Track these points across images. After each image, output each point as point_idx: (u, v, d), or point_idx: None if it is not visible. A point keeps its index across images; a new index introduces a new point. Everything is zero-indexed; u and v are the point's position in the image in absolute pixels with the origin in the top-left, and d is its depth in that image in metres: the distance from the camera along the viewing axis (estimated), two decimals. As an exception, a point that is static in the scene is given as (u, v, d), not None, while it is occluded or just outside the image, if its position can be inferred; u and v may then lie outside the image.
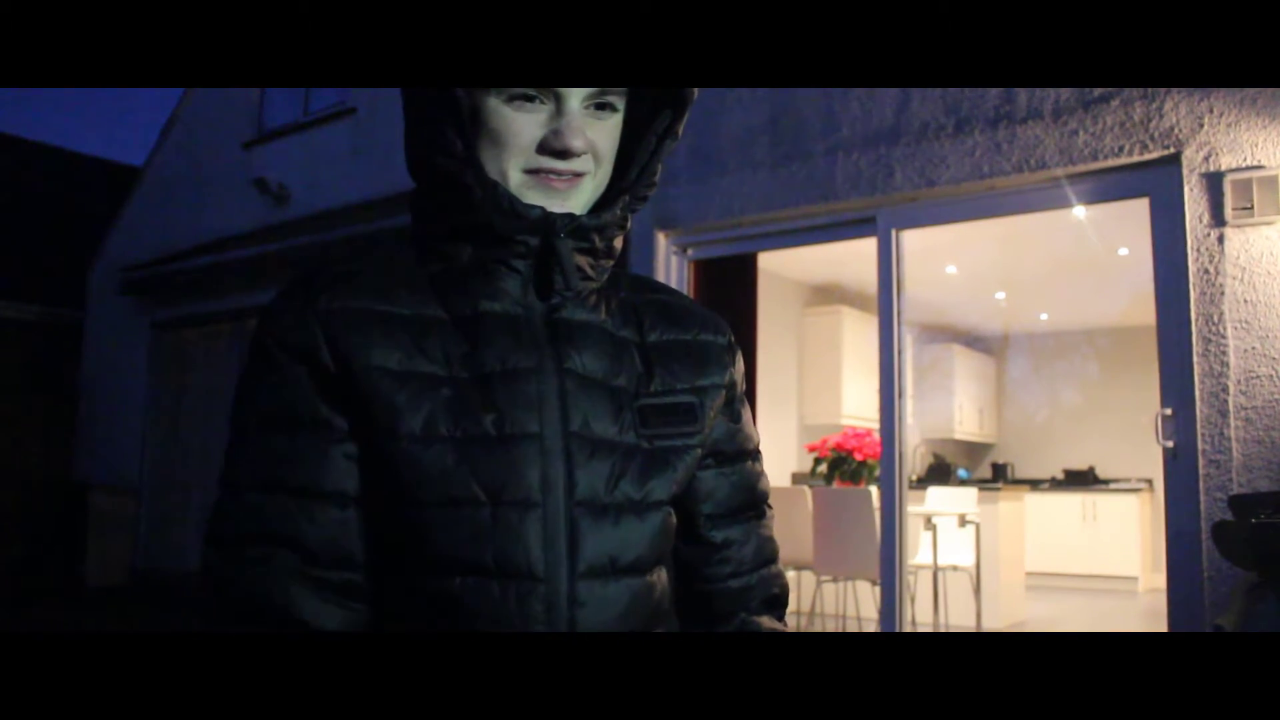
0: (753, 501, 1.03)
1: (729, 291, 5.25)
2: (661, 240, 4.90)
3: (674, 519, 0.94)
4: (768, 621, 1.03)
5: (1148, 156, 3.59)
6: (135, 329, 8.74)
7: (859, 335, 8.11)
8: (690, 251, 4.93)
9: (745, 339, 5.39)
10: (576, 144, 0.85)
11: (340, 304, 0.85)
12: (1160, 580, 3.93)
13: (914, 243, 4.42)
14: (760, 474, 1.04)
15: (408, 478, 0.82)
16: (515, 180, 0.87)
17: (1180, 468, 3.44)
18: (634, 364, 0.93)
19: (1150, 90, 3.58)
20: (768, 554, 1.04)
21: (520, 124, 0.85)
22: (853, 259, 6.71)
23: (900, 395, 4.23)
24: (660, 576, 0.92)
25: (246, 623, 0.81)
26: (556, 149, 0.85)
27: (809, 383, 8.38)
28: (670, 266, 4.92)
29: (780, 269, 7.88)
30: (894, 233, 4.27)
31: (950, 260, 7.41)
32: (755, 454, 1.04)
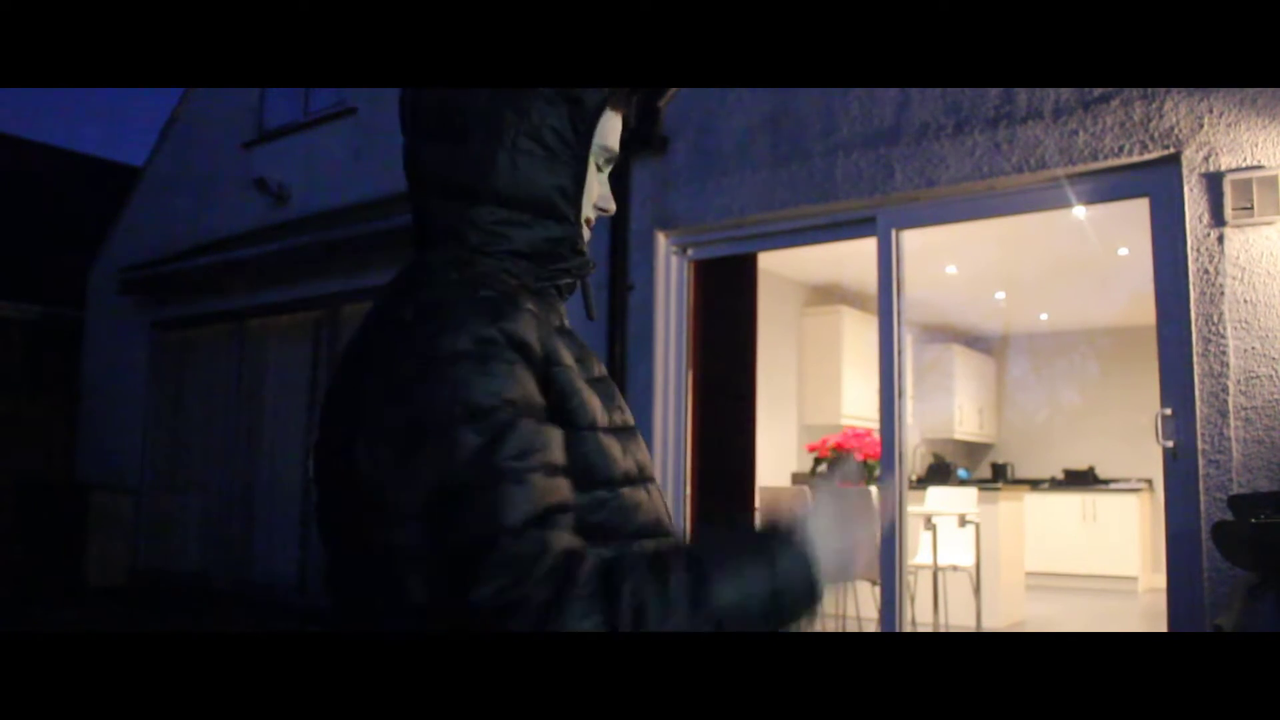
0: None
1: (729, 291, 5.25)
2: (661, 240, 4.90)
3: None
4: None
5: (1148, 156, 3.59)
6: (135, 329, 8.74)
7: (859, 335, 8.11)
8: (690, 251, 4.93)
9: (745, 339, 5.40)
10: (614, 205, 1.11)
11: (530, 307, 0.95)
12: (1160, 580, 3.93)
13: (914, 243, 4.41)
14: None
15: (602, 462, 0.95)
16: (582, 224, 1.08)
17: (1180, 468, 3.44)
18: None
19: (1150, 90, 3.58)
20: None
21: (600, 185, 1.09)
22: (853, 259, 6.71)
23: (900, 395, 4.23)
24: None
25: (568, 583, 0.81)
26: (607, 209, 1.10)
27: (809, 383, 8.38)
28: (670, 266, 4.92)
29: (780, 269, 7.88)
30: (894, 233, 4.27)
31: (950, 260, 7.41)
32: None
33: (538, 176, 1.01)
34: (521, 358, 0.91)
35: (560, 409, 0.93)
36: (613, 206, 1.10)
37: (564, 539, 0.85)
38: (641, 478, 1.00)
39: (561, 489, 0.88)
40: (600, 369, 1.04)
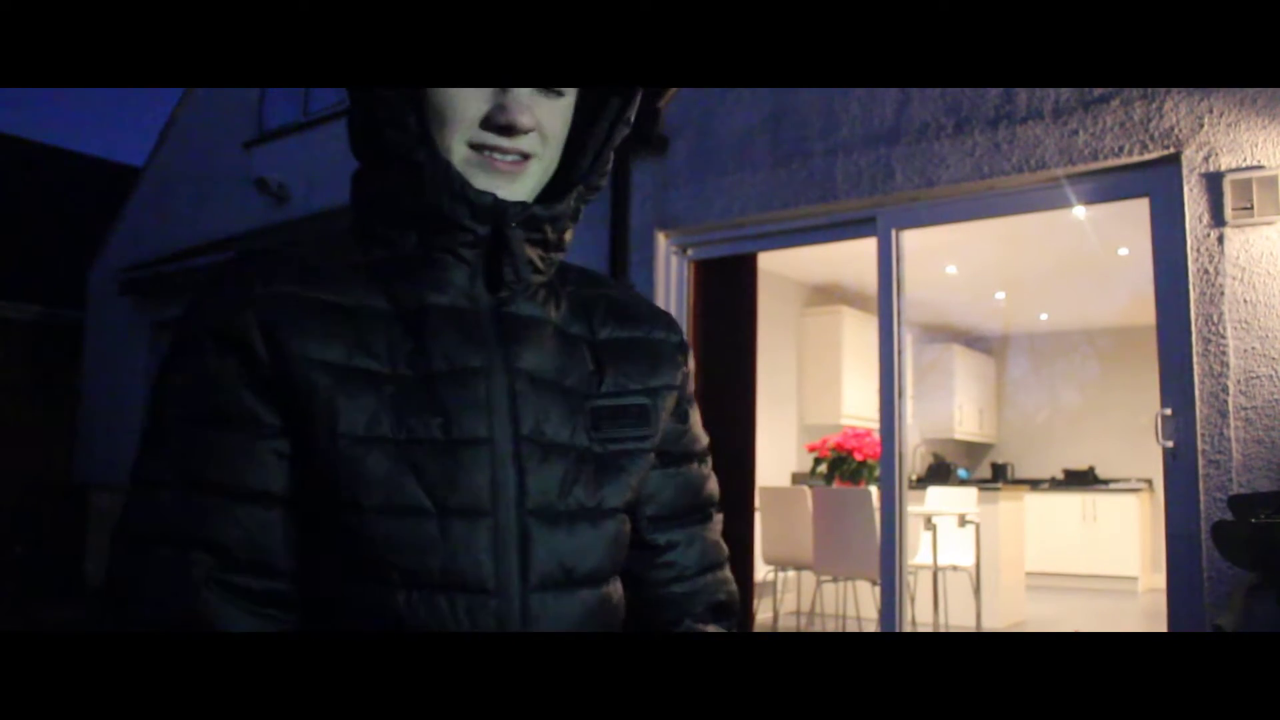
0: (698, 504, 0.99)
1: (729, 291, 5.25)
2: (661, 240, 4.90)
3: (628, 527, 0.91)
4: (714, 630, 0.98)
5: (1148, 156, 3.59)
6: (135, 329, 8.74)
7: (859, 335, 8.11)
8: (690, 251, 4.93)
9: (745, 339, 5.40)
10: (522, 120, 0.82)
11: (278, 290, 0.80)
12: (1160, 580, 3.93)
13: (914, 243, 4.42)
14: (708, 477, 1.01)
15: (347, 481, 0.77)
16: (460, 156, 0.83)
17: (1180, 468, 3.44)
18: (585, 363, 0.89)
19: (1150, 90, 3.58)
20: (714, 558, 1.00)
21: (462, 97, 0.82)
22: (853, 259, 6.71)
23: (900, 395, 4.23)
24: (616, 588, 0.89)
25: (152, 630, 0.76)
26: (501, 124, 0.82)
27: (809, 383, 8.38)
28: (670, 266, 4.92)
29: (780, 269, 7.88)
30: (894, 233, 4.27)
31: (950, 260, 7.41)
32: (703, 456, 1.01)
33: (371, 117, 0.84)
34: (221, 348, 0.78)
35: (294, 411, 0.78)
36: (516, 119, 0.81)
37: (185, 566, 0.75)
38: (445, 510, 0.78)
39: (195, 510, 0.76)
40: (472, 360, 0.82)
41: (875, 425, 4.83)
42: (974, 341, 10.36)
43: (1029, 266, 7.73)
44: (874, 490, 5.44)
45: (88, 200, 11.16)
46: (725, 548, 1.02)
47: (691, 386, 1.00)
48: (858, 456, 6.36)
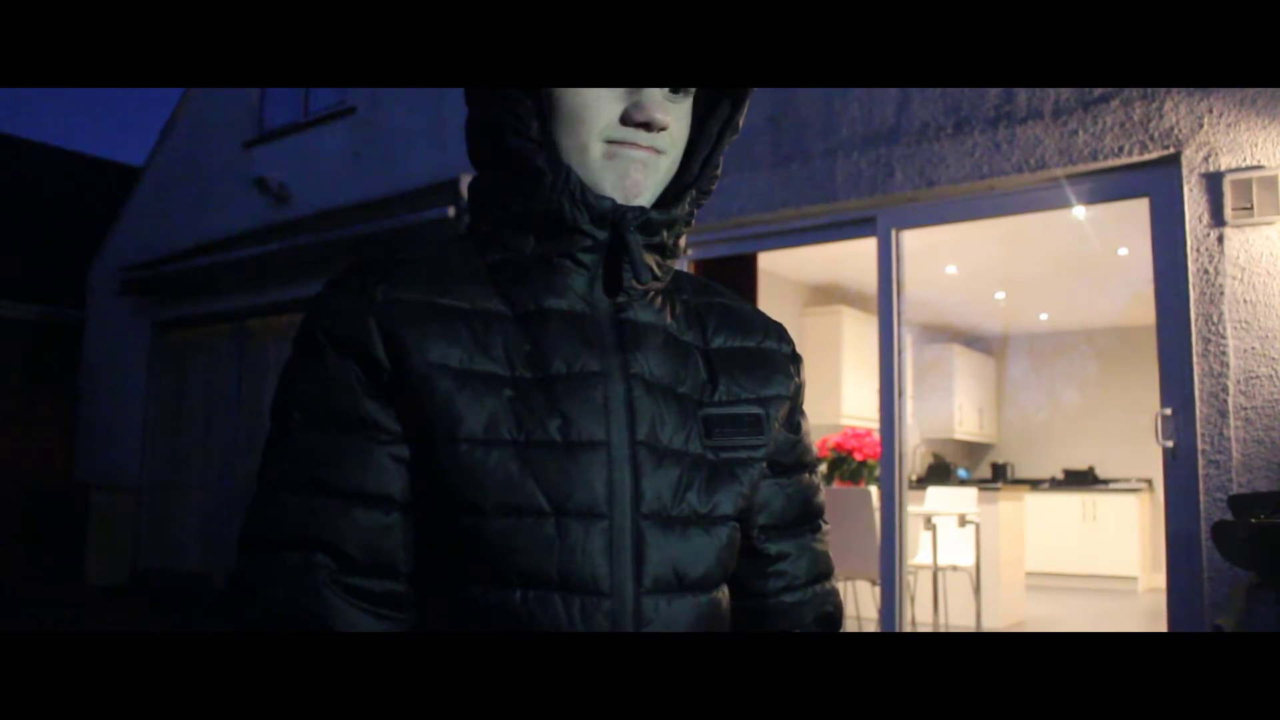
0: (808, 515, 0.99)
1: (729, 291, 5.25)
2: (661, 240, 4.90)
3: (739, 534, 0.90)
4: None
5: (1147, 156, 3.59)
6: (135, 329, 8.74)
7: (859, 335, 8.11)
8: (690, 251, 4.93)
9: (745, 339, 5.39)
10: (660, 116, 0.82)
11: (397, 295, 0.80)
12: (1160, 580, 3.93)
13: (914, 243, 4.42)
14: (818, 488, 1.01)
15: (467, 483, 0.77)
16: (596, 153, 0.83)
17: (1180, 468, 3.44)
18: (698, 371, 0.89)
19: (1150, 90, 3.58)
20: (822, 569, 0.99)
21: (598, 98, 0.82)
22: (853, 259, 6.71)
23: (900, 395, 4.23)
24: (725, 594, 0.89)
25: (277, 630, 0.77)
26: (640, 120, 0.82)
27: (809, 383, 8.35)
28: (670, 266, 4.92)
29: (780, 269, 7.88)
30: (894, 233, 4.28)
31: (950, 260, 7.41)
32: (813, 467, 1.01)
33: (493, 120, 0.83)
34: (341, 354, 0.79)
35: (414, 415, 0.79)
36: (654, 115, 0.81)
37: (307, 568, 0.77)
38: (562, 511, 0.78)
39: (317, 512, 0.77)
40: (590, 364, 0.82)
41: (875, 425, 4.83)
42: (974, 341, 10.36)
43: (1029, 266, 7.74)
44: (874, 490, 5.44)
45: (88, 200, 11.17)
46: (832, 559, 1.02)
47: (803, 397, 1.00)
48: (858, 456, 6.36)
